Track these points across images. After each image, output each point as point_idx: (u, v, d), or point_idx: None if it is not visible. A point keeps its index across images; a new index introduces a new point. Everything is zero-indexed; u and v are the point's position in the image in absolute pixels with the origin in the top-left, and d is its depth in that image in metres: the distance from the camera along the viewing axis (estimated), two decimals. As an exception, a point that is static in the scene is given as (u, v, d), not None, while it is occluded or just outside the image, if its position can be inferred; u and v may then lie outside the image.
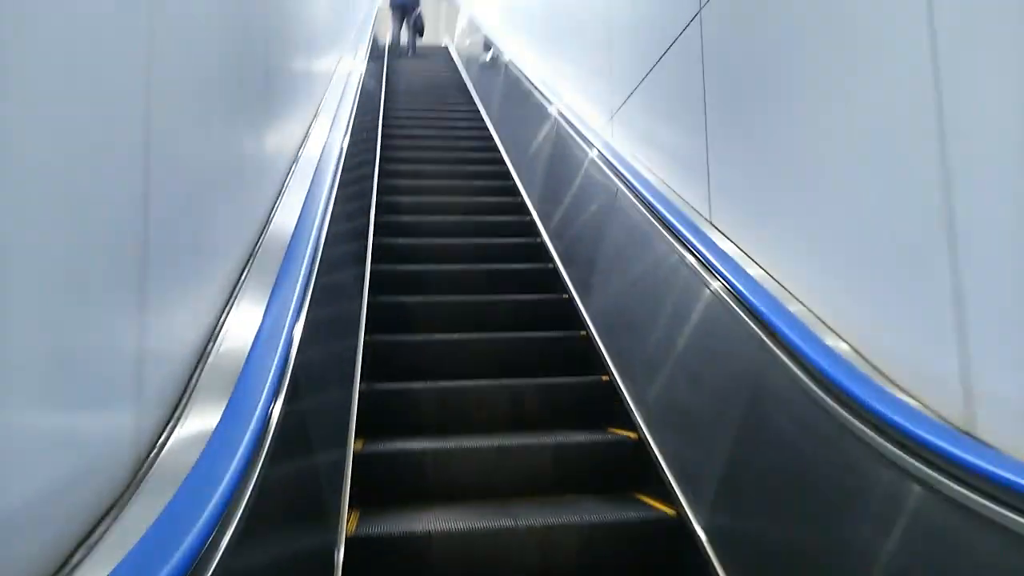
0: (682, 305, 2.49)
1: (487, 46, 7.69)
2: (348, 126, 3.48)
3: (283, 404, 1.46)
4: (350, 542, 2.06)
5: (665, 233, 2.61)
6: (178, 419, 1.27)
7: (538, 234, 4.47)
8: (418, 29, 11.01)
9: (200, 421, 1.27)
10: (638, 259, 2.96)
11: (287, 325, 1.63)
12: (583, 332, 3.45)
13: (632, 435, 2.70)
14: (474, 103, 7.88)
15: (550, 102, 4.56)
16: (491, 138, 6.48)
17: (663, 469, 2.45)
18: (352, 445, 2.47)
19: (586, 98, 4.05)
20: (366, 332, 3.22)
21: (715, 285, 2.22)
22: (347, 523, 2.14)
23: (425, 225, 4.62)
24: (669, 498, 2.35)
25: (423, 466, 2.56)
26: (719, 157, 2.40)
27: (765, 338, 1.91)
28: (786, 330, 1.81)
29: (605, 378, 3.09)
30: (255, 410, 1.29)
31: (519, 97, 5.60)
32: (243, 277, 1.78)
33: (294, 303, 1.74)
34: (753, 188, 2.21)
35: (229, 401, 1.31)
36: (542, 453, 2.64)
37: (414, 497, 2.48)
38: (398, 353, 3.28)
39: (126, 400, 1.11)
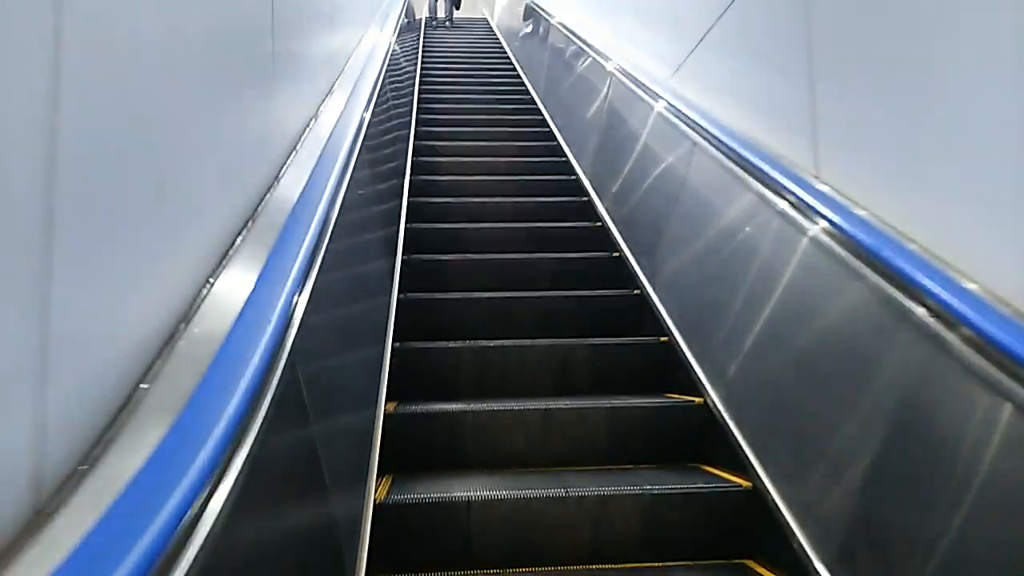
0: (801, 275, 2.09)
1: (530, 11, 7.46)
2: (376, 88, 3.18)
3: (276, 392, 1.12)
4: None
5: (761, 187, 2.31)
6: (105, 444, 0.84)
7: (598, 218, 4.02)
8: (454, 1, 10.78)
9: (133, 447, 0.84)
10: (718, 217, 2.70)
11: (285, 293, 1.28)
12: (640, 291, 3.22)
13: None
14: (518, 75, 7.48)
15: (607, 59, 4.29)
16: (539, 111, 6.06)
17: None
18: (382, 412, 2.26)
19: (648, 54, 3.80)
20: (400, 291, 3.01)
21: (839, 250, 1.84)
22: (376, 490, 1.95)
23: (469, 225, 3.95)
24: (744, 469, 2.11)
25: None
26: (834, 102, 2.04)
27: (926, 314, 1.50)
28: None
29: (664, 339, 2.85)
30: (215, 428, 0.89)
31: (568, 61, 5.32)
32: (237, 242, 1.38)
33: (295, 271, 1.37)
34: (897, 139, 1.74)
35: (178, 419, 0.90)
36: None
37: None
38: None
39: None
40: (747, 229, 2.41)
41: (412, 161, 4.58)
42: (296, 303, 1.33)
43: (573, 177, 4.58)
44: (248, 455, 0.95)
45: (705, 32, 2.90)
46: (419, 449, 2.30)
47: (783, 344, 2.11)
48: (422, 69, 7.03)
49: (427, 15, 10.89)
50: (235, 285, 1.24)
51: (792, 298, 2.09)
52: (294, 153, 1.92)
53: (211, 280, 1.22)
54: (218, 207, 1.36)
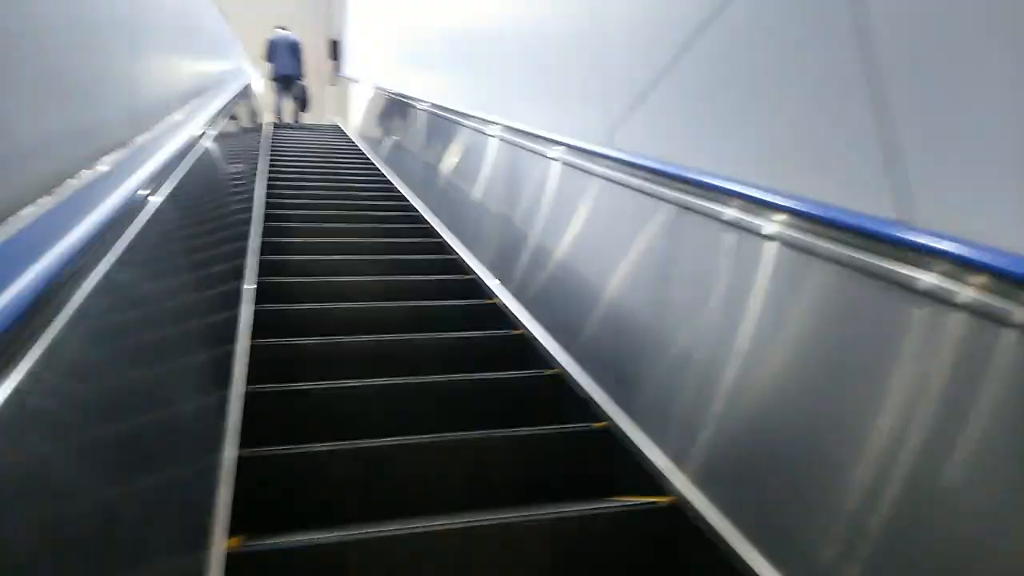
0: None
1: (396, 103, 6.96)
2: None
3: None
4: None
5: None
6: None
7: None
8: (301, 100, 10.31)
9: None
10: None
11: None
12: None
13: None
14: (381, 173, 6.68)
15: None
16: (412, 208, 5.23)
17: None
18: (220, 551, 1.47)
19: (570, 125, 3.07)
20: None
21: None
22: None
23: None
24: None
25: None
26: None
27: None
28: None
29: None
30: None
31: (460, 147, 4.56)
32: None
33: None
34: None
35: None
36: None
37: None
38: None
39: None
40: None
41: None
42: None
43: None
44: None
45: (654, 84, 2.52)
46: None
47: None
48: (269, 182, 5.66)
49: (273, 116, 10.33)
50: None
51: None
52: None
53: None
54: None
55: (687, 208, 1.97)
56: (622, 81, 2.47)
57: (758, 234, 1.67)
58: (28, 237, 0.90)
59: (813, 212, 1.51)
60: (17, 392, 0.68)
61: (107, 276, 1.02)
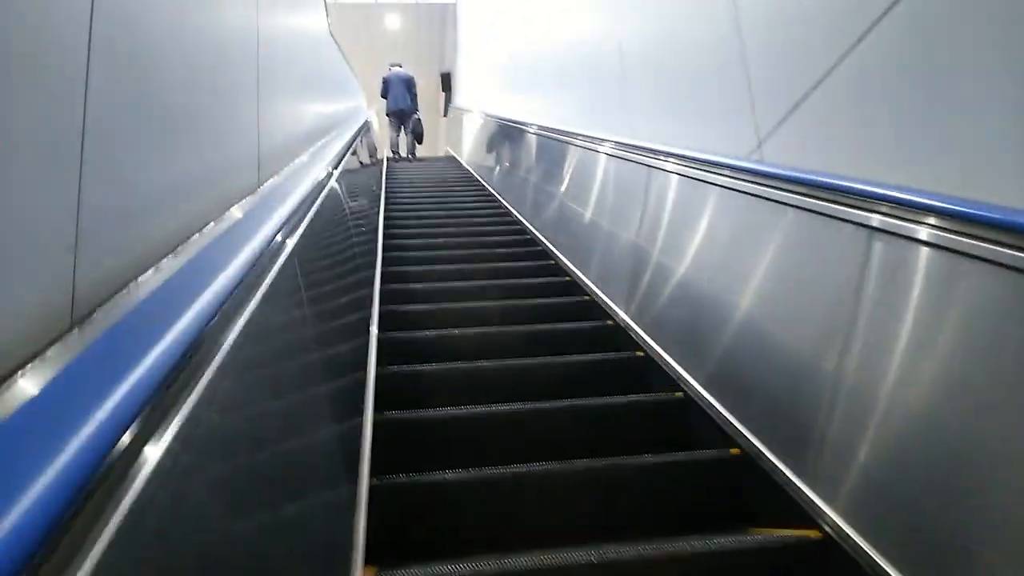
0: None
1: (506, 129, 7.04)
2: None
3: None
4: None
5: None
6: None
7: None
8: (417, 135, 10.66)
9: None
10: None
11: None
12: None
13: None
14: (505, 209, 6.29)
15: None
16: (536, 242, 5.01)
17: None
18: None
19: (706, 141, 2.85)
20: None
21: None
22: None
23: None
24: None
25: None
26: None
27: None
28: None
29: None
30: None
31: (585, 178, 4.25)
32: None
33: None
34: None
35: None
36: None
37: None
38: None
39: None
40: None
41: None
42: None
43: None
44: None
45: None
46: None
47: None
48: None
49: (389, 150, 10.73)
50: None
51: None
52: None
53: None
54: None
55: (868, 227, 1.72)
56: (772, 90, 2.31)
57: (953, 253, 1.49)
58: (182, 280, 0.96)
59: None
60: (191, 418, 0.72)
61: (251, 316, 1.06)
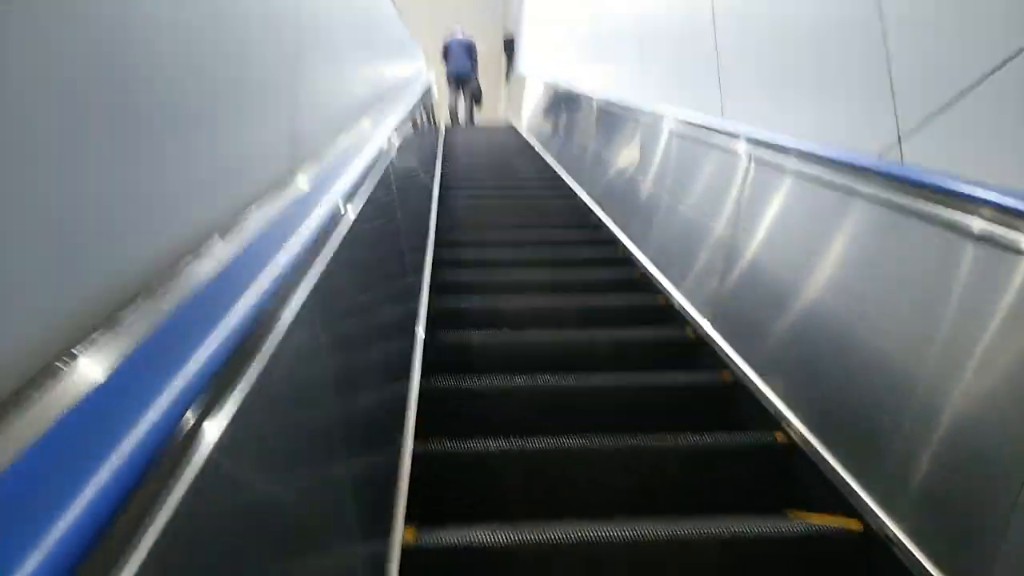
0: None
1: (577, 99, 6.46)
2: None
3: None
4: None
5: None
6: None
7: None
8: (475, 97, 10.65)
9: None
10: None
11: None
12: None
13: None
14: (567, 186, 5.97)
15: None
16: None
17: None
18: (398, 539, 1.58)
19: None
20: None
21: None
22: None
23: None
24: None
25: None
26: None
27: None
28: None
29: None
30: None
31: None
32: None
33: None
34: None
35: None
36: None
37: None
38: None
39: None
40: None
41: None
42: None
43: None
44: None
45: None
46: None
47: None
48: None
49: (447, 113, 10.77)
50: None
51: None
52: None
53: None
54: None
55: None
56: (921, 78, 1.90)
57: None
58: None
59: None
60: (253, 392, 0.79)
61: (317, 284, 1.12)
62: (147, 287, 0.81)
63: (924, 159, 1.83)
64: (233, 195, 1.16)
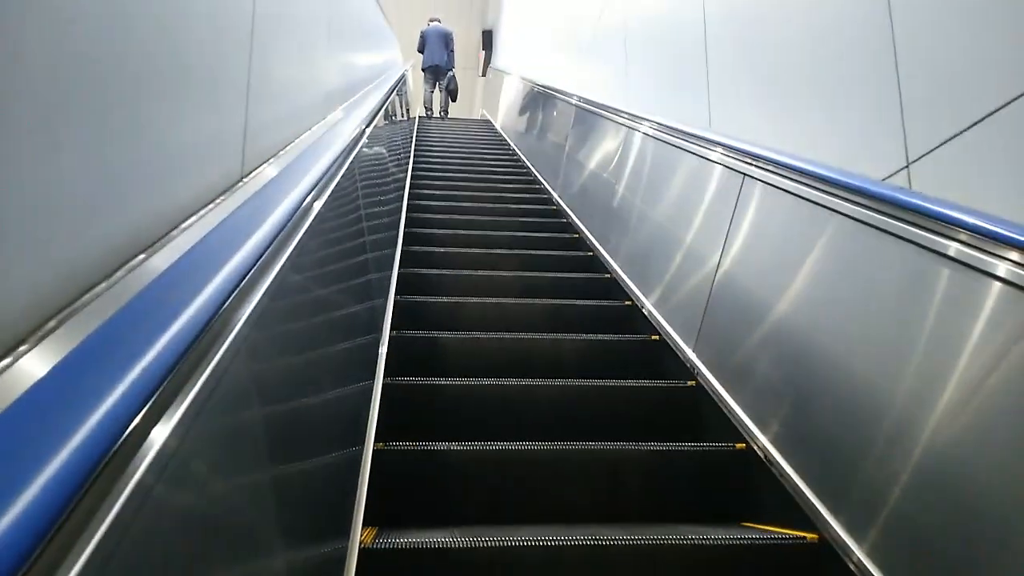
0: None
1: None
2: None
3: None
4: None
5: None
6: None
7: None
8: (451, 92, 10.56)
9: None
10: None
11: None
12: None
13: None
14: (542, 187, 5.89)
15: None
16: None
17: None
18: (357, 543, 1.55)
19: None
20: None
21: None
22: None
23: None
24: None
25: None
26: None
27: None
28: None
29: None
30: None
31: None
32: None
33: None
34: None
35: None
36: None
37: None
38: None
39: None
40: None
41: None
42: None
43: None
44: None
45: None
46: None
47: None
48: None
49: (422, 106, 10.67)
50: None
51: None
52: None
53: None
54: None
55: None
56: (934, 98, 1.80)
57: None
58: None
59: None
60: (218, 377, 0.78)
61: (276, 280, 1.09)
62: (85, 289, 0.78)
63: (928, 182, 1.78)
64: (176, 190, 1.12)
